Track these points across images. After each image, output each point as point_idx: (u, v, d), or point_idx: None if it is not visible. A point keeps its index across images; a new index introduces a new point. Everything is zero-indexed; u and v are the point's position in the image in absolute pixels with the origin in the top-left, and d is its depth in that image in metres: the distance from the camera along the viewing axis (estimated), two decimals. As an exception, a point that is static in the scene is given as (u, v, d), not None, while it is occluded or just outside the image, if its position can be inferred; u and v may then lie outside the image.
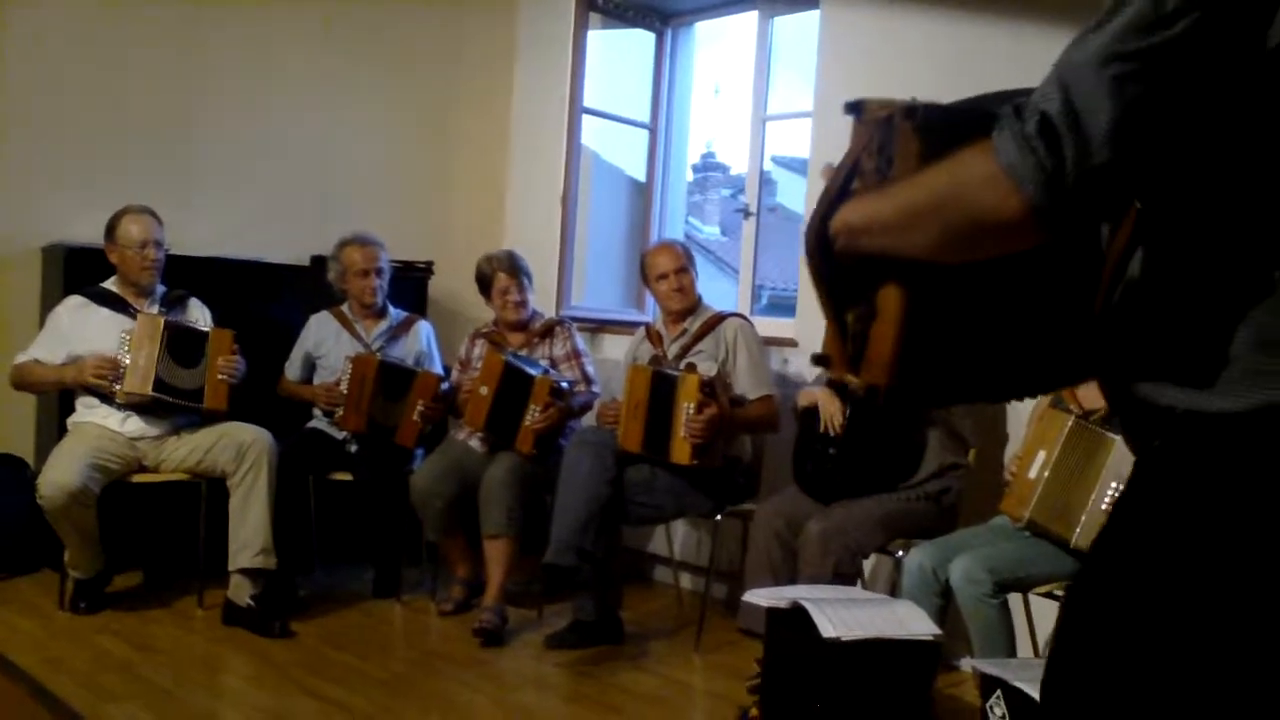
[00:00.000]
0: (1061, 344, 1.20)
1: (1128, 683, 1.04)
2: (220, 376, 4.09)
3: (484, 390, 4.19)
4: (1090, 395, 3.27)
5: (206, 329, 4.20)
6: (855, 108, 1.25)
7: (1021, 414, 3.71)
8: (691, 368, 3.98)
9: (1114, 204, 1.02)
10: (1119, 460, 3.03)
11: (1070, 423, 3.16)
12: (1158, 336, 1.05)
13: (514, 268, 4.49)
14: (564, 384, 4.29)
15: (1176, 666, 1.01)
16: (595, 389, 4.50)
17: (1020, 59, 3.92)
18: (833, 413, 3.66)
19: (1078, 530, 3.09)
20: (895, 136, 1.16)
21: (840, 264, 1.20)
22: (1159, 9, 0.94)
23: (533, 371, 4.23)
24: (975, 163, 1.01)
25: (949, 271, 1.13)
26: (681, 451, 3.86)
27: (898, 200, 1.11)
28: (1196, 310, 1.02)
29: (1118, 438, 3.06)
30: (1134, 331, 1.08)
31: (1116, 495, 3.02)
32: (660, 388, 3.92)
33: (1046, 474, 3.17)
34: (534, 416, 4.17)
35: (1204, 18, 0.93)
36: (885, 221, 1.12)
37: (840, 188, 1.20)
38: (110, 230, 4.13)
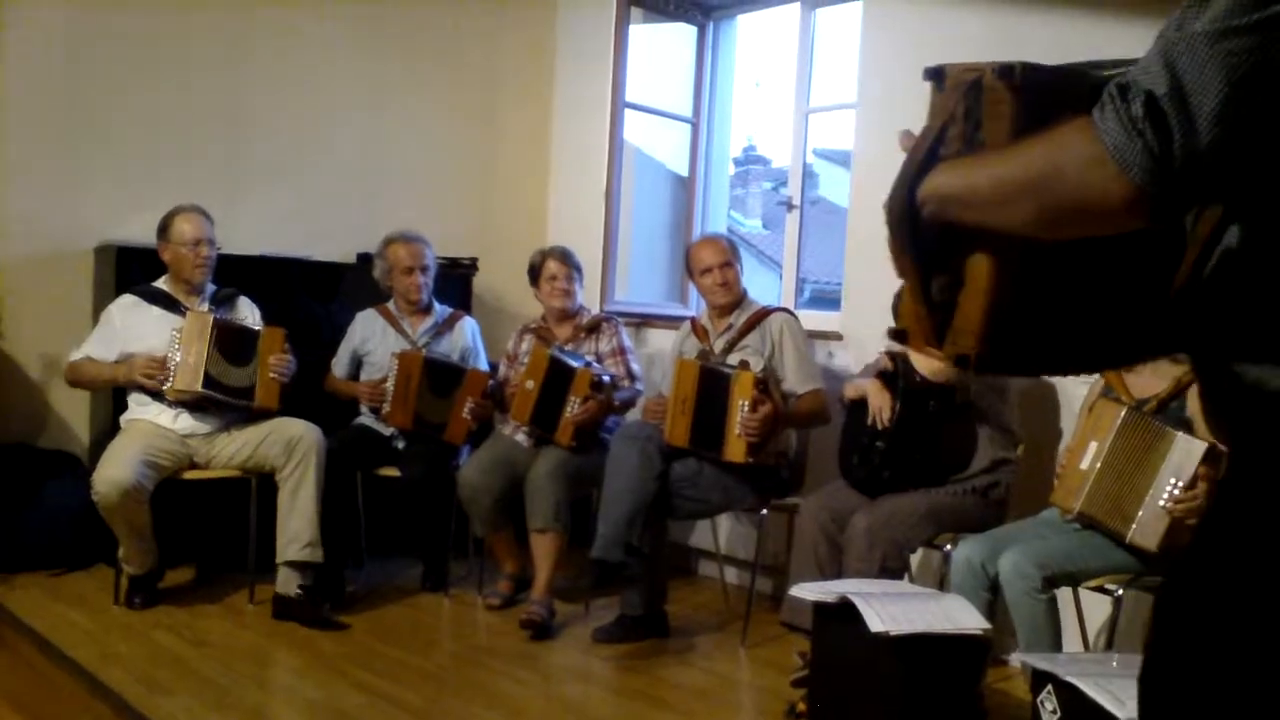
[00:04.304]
0: (1143, 317, 1.17)
1: (1236, 686, 1.01)
2: (271, 375, 4.14)
3: (530, 384, 4.21)
4: (1140, 385, 3.24)
5: (257, 327, 4.24)
6: (936, 73, 1.21)
7: (1074, 408, 3.67)
8: (745, 365, 3.96)
9: (1220, 185, 0.97)
10: (1180, 457, 2.99)
11: (1123, 414, 3.11)
12: (1258, 313, 1.01)
13: (565, 257, 4.53)
14: (605, 378, 4.30)
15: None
16: (639, 385, 4.50)
17: (1066, 48, 3.86)
18: (882, 405, 3.62)
19: (1134, 526, 3.05)
20: (984, 99, 1.13)
21: (926, 233, 1.17)
22: None
23: (574, 364, 4.24)
24: (1077, 142, 0.98)
25: (1038, 243, 1.10)
26: (736, 450, 3.85)
27: (992, 174, 1.08)
28: None
29: (1179, 433, 3.01)
30: (1231, 307, 1.04)
31: (1175, 492, 2.97)
32: (711, 384, 3.92)
33: (1099, 465, 3.13)
34: (574, 409, 4.19)
35: None
36: (980, 194, 1.09)
37: (926, 155, 1.16)
38: (163, 229, 4.18)
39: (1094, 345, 1.22)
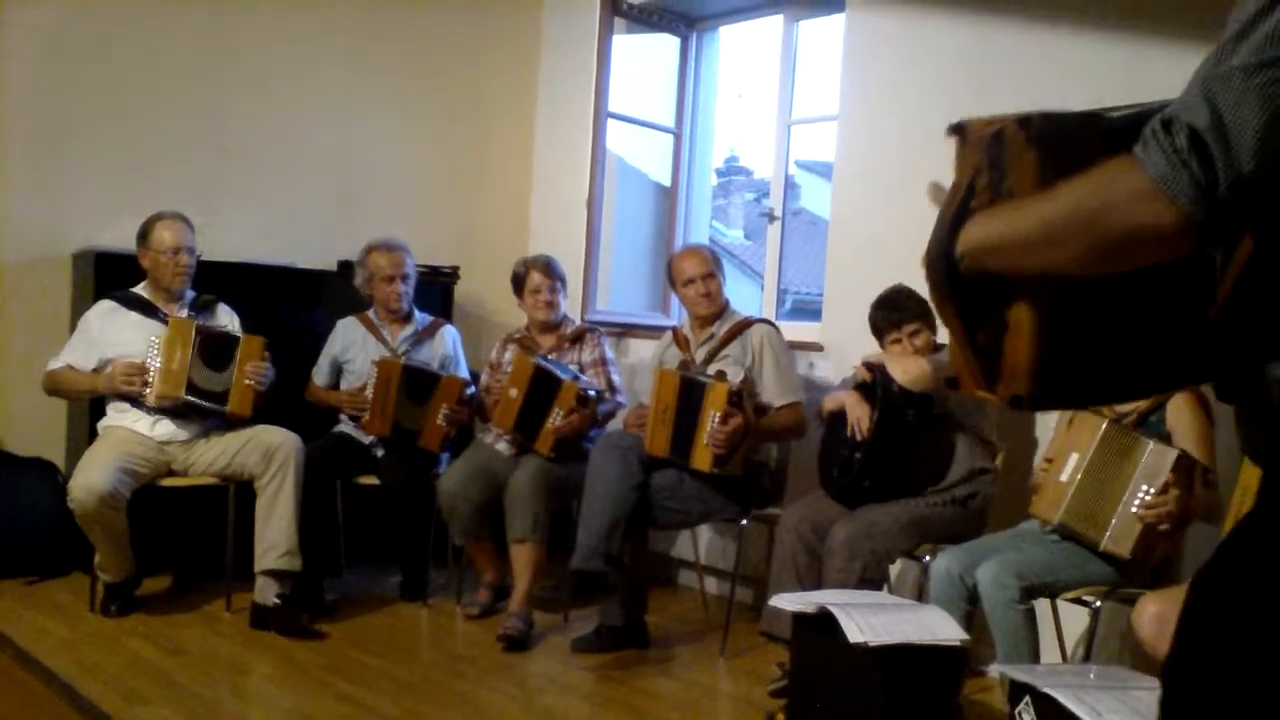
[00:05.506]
0: (1181, 344, 1.20)
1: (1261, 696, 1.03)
2: (247, 382, 4.12)
3: (514, 393, 4.20)
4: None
5: (238, 334, 4.23)
6: (958, 129, 1.26)
7: (1049, 418, 3.68)
8: (722, 375, 3.97)
9: (1265, 210, 1.02)
10: (1152, 462, 3.01)
11: (1104, 426, 3.13)
12: None
13: (548, 268, 4.52)
14: (591, 392, 4.29)
15: None
16: (620, 398, 4.50)
17: (1047, 60, 3.90)
18: (860, 416, 3.63)
19: (1108, 534, 3.07)
20: (1006, 150, 1.17)
21: (966, 283, 1.21)
22: None
23: (562, 375, 4.24)
24: (1123, 178, 1.01)
25: (1074, 283, 1.14)
26: (703, 458, 3.85)
27: (1035, 217, 1.11)
28: None
29: (1151, 440, 3.04)
30: (1270, 320, 1.08)
31: (1147, 498, 2.99)
32: (689, 393, 3.92)
33: (1079, 477, 3.14)
34: (557, 420, 4.18)
35: None
36: (1023, 238, 1.12)
37: (959, 208, 1.21)
38: (143, 235, 4.16)
39: (1136, 375, 1.26)
